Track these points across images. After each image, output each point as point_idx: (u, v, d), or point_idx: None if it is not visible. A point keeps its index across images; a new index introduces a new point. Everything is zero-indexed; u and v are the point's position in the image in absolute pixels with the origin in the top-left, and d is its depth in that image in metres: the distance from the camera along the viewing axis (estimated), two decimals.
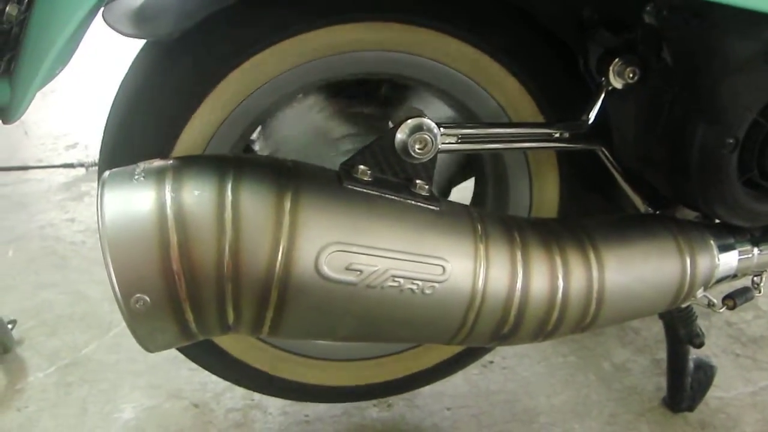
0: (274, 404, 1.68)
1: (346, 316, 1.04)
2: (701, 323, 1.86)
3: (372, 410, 1.68)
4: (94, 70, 3.17)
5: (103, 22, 1.13)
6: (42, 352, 1.85)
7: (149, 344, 1.02)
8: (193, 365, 1.49)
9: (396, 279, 1.02)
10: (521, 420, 1.66)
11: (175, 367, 1.78)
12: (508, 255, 1.09)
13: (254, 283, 0.97)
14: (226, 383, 1.67)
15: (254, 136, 1.42)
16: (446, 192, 1.56)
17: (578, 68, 1.29)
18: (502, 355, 1.83)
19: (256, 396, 1.69)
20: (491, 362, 1.82)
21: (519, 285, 1.09)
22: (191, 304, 0.97)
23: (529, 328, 1.13)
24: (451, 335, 1.11)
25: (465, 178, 1.60)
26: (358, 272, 1.01)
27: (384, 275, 1.02)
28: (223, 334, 1.05)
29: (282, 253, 0.97)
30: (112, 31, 1.15)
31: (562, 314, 1.13)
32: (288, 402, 1.67)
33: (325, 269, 0.99)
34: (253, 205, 0.97)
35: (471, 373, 1.78)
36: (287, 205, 0.98)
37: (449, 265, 1.05)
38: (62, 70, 1.12)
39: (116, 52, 1.24)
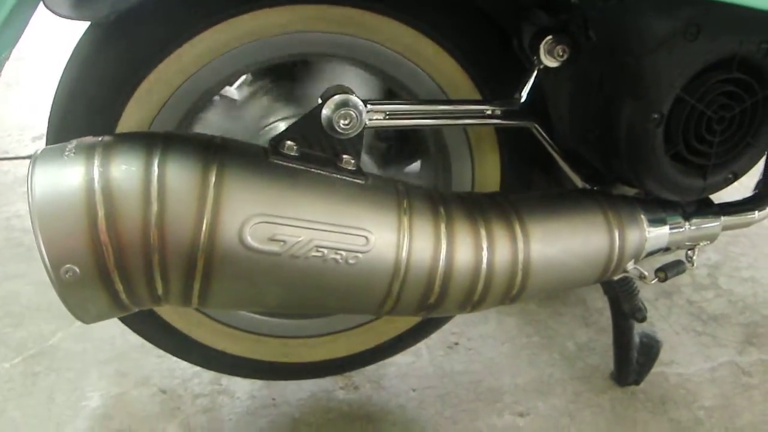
0: (242, 389, 1.70)
1: (273, 286, 1.08)
2: (664, 303, 1.91)
3: (338, 392, 1.70)
4: (60, 63, 3.15)
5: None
6: (8, 342, 1.84)
7: (82, 314, 1.06)
8: (161, 352, 1.52)
9: (320, 249, 1.06)
10: (486, 399, 1.69)
11: (142, 355, 1.79)
12: (432, 227, 1.12)
13: (180, 254, 1.01)
14: (194, 369, 1.71)
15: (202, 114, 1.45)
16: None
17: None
18: (467, 336, 1.87)
19: (224, 381, 1.71)
20: (456, 344, 1.85)
21: (443, 256, 1.12)
22: (120, 274, 1.01)
23: (456, 298, 1.16)
24: (377, 304, 1.15)
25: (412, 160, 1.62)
26: (282, 242, 1.04)
27: (308, 245, 1.06)
28: (155, 306, 1.09)
29: (206, 225, 1.01)
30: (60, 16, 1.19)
31: (487, 284, 1.16)
32: (255, 386, 1.70)
33: (249, 240, 1.03)
34: (178, 178, 1.01)
35: (436, 354, 1.81)
36: (212, 178, 1.02)
37: (372, 236, 1.09)
38: (8, 57, 1.14)
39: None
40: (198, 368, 1.71)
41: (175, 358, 1.56)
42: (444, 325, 1.68)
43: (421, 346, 1.78)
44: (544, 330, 1.91)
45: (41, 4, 1.08)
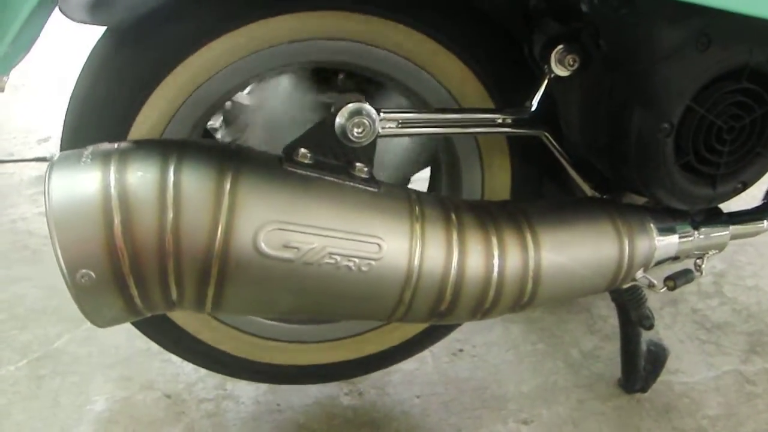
0: (247, 394, 1.70)
1: (285, 292, 1.09)
2: (668, 311, 1.91)
3: (343, 398, 1.71)
4: (66, 65, 3.13)
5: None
6: (13, 345, 1.84)
7: (97, 319, 1.07)
8: (166, 356, 1.51)
9: (333, 256, 1.07)
10: (490, 407, 1.70)
11: (147, 359, 1.79)
12: (444, 235, 1.13)
13: (195, 260, 1.02)
14: (199, 374, 1.72)
15: (217, 124, 1.46)
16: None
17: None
18: (472, 343, 1.87)
19: (229, 386, 1.71)
20: (461, 350, 1.85)
21: (454, 263, 1.13)
22: (135, 279, 1.02)
23: (467, 306, 1.17)
24: (389, 311, 1.15)
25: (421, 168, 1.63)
26: (296, 249, 1.05)
27: (321, 252, 1.06)
28: (169, 311, 1.10)
29: (221, 231, 1.02)
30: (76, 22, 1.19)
31: (498, 292, 1.17)
32: (260, 392, 1.70)
33: (263, 246, 1.04)
34: (194, 185, 1.02)
35: (441, 361, 1.82)
36: (227, 185, 1.03)
37: (385, 244, 1.09)
38: (23, 57, 1.15)
39: (89, 47, 1.28)
40: (203, 373, 1.71)
41: (179, 363, 1.55)
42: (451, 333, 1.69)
43: (426, 352, 1.78)
44: (548, 337, 1.91)
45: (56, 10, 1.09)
